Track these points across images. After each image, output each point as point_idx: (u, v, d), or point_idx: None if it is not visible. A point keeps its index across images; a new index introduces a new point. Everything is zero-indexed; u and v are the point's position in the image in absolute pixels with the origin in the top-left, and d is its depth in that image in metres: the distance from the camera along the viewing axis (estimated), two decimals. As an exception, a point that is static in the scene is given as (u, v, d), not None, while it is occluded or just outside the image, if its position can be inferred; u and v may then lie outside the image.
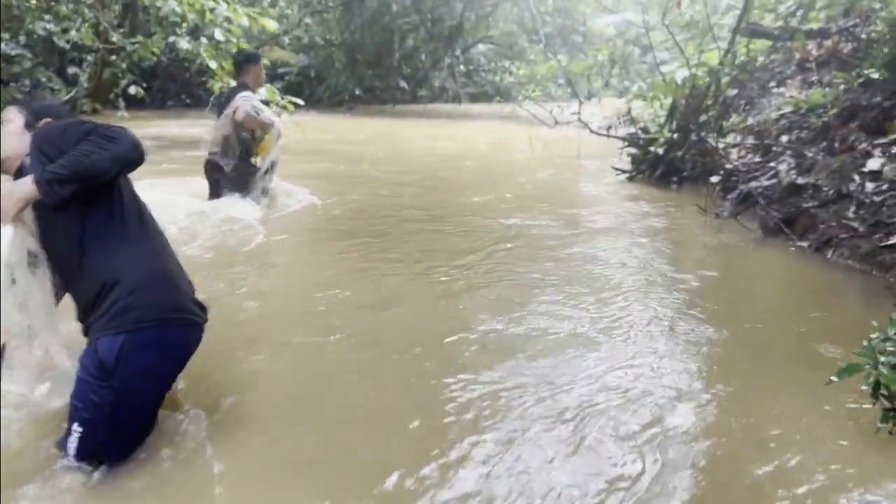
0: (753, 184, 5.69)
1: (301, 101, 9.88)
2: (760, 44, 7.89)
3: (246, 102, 4.99)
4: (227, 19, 9.91)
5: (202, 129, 11.52)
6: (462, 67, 24.06)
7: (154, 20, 11.19)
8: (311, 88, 19.79)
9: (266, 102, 9.83)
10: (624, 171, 7.37)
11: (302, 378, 2.62)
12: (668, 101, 7.91)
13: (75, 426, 1.86)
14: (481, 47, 25.11)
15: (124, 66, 10.05)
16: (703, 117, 6.50)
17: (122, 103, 9.57)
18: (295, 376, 2.63)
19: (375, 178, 7.52)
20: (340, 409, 2.36)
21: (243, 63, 5.33)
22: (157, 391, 1.99)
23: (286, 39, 18.95)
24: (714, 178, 6.33)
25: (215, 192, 5.25)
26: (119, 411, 1.86)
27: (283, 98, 9.70)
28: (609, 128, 9.89)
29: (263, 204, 5.27)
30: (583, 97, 9.36)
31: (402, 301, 3.49)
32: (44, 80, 9.78)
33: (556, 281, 3.85)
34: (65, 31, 9.50)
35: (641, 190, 6.87)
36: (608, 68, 9.07)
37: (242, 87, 5.20)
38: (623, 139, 7.60)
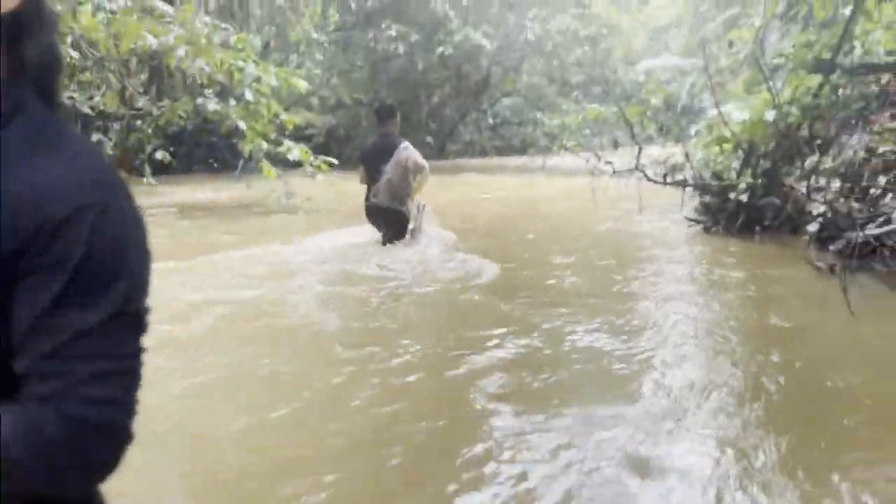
0: (869, 231, 4.93)
1: (335, 161, 9.39)
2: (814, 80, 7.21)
3: (414, 151, 5.60)
4: (257, 79, 9.54)
5: (231, 193, 11.07)
6: (490, 121, 23.75)
7: (180, 85, 10.89)
8: (340, 148, 19.49)
9: (300, 163, 9.40)
10: (699, 222, 6.64)
11: None
12: (728, 145, 7.24)
13: None
14: (507, 101, 24.82)
15: (150, 131, 9.64)
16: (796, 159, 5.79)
17: (147, 169, 9.12)
18: None
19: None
20: None
21: (388, 115, 5.79)
22: None
23: (314, 100, 18.73)
24: (812, 227, 5.58)
25: (389, 236, 5.66)
26: None
27: (316, 158, 9.22)
28: (665, 175, 9.22)
29: (423, 242, 5.73)
30: (615, 145, 8.76)
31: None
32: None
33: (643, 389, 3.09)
34: (90, 97, 9.14)
35: (723, 243, 6.12)
36: (663, 112, 8.45)
37: (390, 136, 5.70)
38: (694, 187, 6.88)
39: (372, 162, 5.62)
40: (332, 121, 18.87)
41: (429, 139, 21.97)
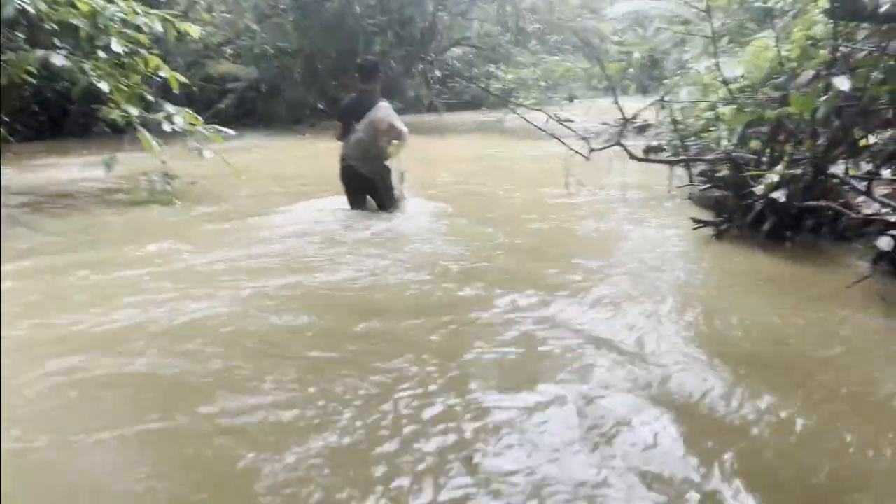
0: None
1: (231, 132, 7.28)
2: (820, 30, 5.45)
3: (391, 114, 5.41)
4: (133, 25, 7.35)
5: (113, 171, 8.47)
6: (437, 73, 21.54)
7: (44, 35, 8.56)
8: (267, 105, 17.15)
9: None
10: (709, 223, 4.87)
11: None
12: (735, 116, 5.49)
13: None
14: (457, 51, 22.60)
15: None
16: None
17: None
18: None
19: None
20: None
21: (373, 71, 5.61)
22: None
23: (228, 50, 16.30)
24: (884, 242, 3.87)
25: (358, 200, 5.61)
26: None
27: (205, 128, 7.12)
28: (648, 151, 7.45)
29: (408, 211, 5.54)
30: (570, 99, 6.98)
31: None
32: None
33: None
34: None
35: (745, 259, 4.38)
36: (647, 68, 6.65)
37: (370, 94, 5.53)
38: (702, 175, 5.12)
39: (348, 119, 5.51)
40: (255, 73, 16.50)
41: (371, 94, 19.78)
